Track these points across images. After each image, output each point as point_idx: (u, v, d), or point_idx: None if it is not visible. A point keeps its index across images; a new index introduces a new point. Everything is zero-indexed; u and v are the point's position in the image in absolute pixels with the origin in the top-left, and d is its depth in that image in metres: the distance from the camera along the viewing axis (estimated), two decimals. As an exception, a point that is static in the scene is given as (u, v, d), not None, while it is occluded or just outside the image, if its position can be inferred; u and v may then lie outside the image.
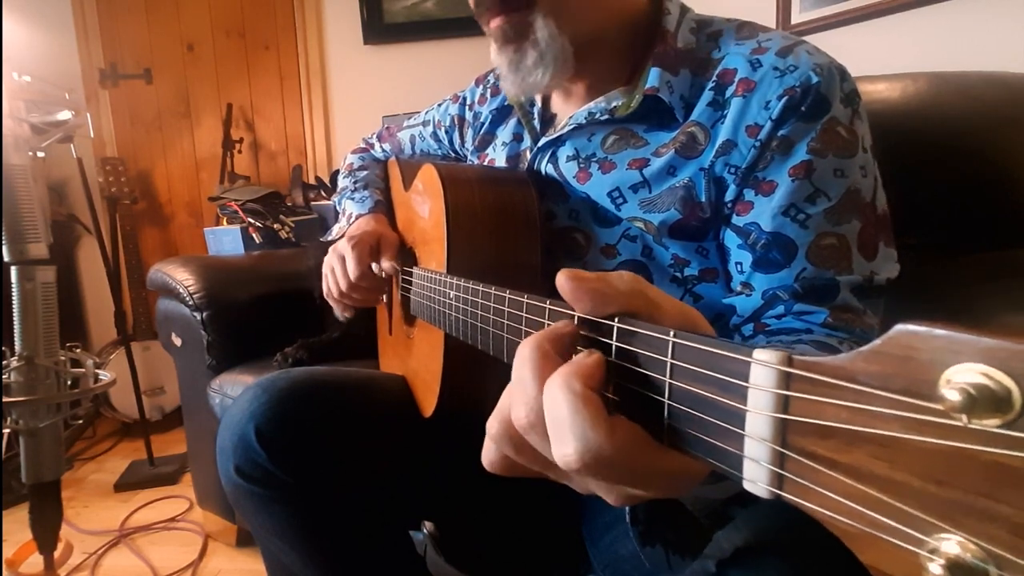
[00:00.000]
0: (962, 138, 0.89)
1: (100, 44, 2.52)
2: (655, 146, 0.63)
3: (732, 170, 0.58)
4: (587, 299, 0.29)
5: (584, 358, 0.28)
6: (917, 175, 0.84)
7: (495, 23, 0.64)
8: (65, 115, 1.53)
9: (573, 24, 0.63)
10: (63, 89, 1.57)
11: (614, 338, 0.28)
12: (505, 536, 0.80)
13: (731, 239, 0.60)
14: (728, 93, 0.59)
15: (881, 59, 1.25)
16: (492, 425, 0.31)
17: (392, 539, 0.73)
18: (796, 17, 1.44)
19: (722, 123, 0.59)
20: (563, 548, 0.72)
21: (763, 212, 0.57)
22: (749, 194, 0.58)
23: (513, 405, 0.30)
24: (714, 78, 0.61)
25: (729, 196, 0.59)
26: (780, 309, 0.57)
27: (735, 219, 0.59)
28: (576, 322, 0.32)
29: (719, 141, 0.59)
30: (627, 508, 0.37)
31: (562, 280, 0.29)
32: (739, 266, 0.60)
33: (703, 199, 0.60)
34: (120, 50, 2.53)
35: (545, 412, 0.28)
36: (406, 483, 0.73)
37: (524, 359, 0.30)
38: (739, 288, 0.60)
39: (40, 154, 1.51)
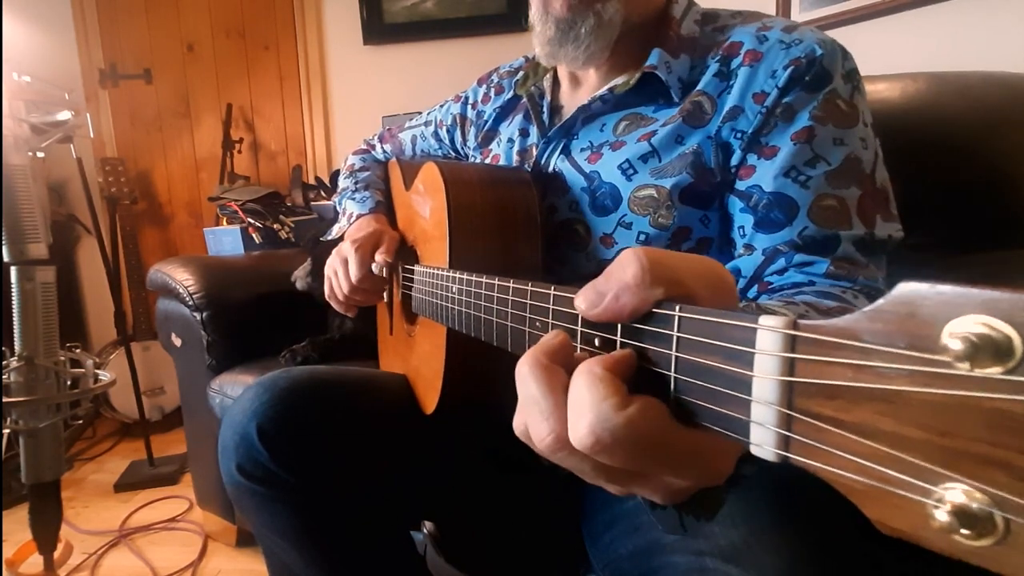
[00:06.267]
0: (962, 138, 0.89)
1: (100, 44, 2.52)
2: (663, 120, 0.65)
3: (738, 135, 0.60)
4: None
5: (615, 352, 0.28)
6: (917, 175, 0.84)
7: None
8: (65, 115, 1.53)
9: (631, 9, 0.66)
10: (63, 89, 1.57)
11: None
12: (505, 536, 0.80)
13: (734, 204, 0.62)
14: (734, 64, 0.62)
15: (881, 59, 1.25)
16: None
17: (393, 539, 0.73)
18: (796, 17, 1.45)
19: (728, 92, 0.61)
20: (563, 548, 0.72)
21: (765, 174, 0.59)
22: (752, 158, 0.60)
23: (531, 426, 0.29)
24: (720, 52, 0.63)
25: (734, 161, 0.61)
26: (781, 262, 0.58)
27: (738, 184, 0.61)
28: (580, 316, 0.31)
29: (726, 108, 0.61)
30: None
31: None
32: (741, 230, 0.61)
33: (712, 165, 0.62)
34: (120, 50, 2.53)
35: (568, 404, 0.27)
36: (407, 482, 0.73)
37: (525, 377, 0.29)
38: (742, 251, 0.61)
39: (40, 154, 1.51)
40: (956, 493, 0.16)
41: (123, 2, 2.51)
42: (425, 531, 0.82)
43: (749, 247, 0.60)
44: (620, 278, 0.28)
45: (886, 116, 0.90)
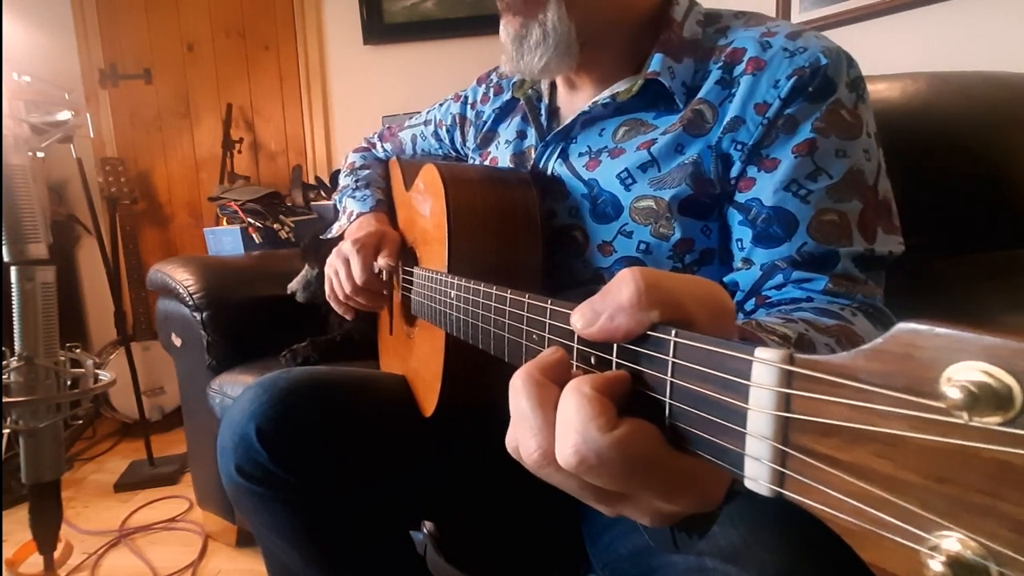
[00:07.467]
0: (962, 138, 0.89)
1: (100, 44, 2.52)
2: (663, 128, 0.64)
3: (739, 147, 0.59)
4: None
5: (608, 373, 0.28)
6: (917, 175, 0.84)
7: None
8: (65, 115, 1.53)
9: (584, 15, 0.64)
10: (63, 89, 1.57)
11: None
12: (505, 536, 0.80)
13: (733, 216, 0.61)
14: (737, 72, 0.60)
15: (881, 59, 1.24)
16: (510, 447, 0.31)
17: (392, 539, 0.73)
18: (796, 17, 1.44)
19: (730, 101, 0.60)
20: (563, 548, 0.72)
21: (765, 187, 0.58)
22: (752, 171, 0.59)
23: (521, 441, 0.29)
24: (722, 58, 0.62)
25: (734, 173, 0.60)
26: (779, 278, 0.57)
27: (737, 196, 0.60)
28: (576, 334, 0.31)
29: (727, 118, 0.60)
30: None
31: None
32: (740, 243, 0.61)
33: (711, 176, 0.61)
34: (120, 50, 2.53)
35: (556, 422, 0.27)
36: (407, 483, 0.73)
37: (518, 390, 0.29)
38: (739, 265, 0.61)
39: (40, 154, 1.51)
40: (952, 542, 0.15)
41: (123, 2, 2.50)
42: (425, 531, 0.82)
43: (747, 261, 0.59)
44: (616, 298, 0.28)
45: (886, 116, 0.90)
